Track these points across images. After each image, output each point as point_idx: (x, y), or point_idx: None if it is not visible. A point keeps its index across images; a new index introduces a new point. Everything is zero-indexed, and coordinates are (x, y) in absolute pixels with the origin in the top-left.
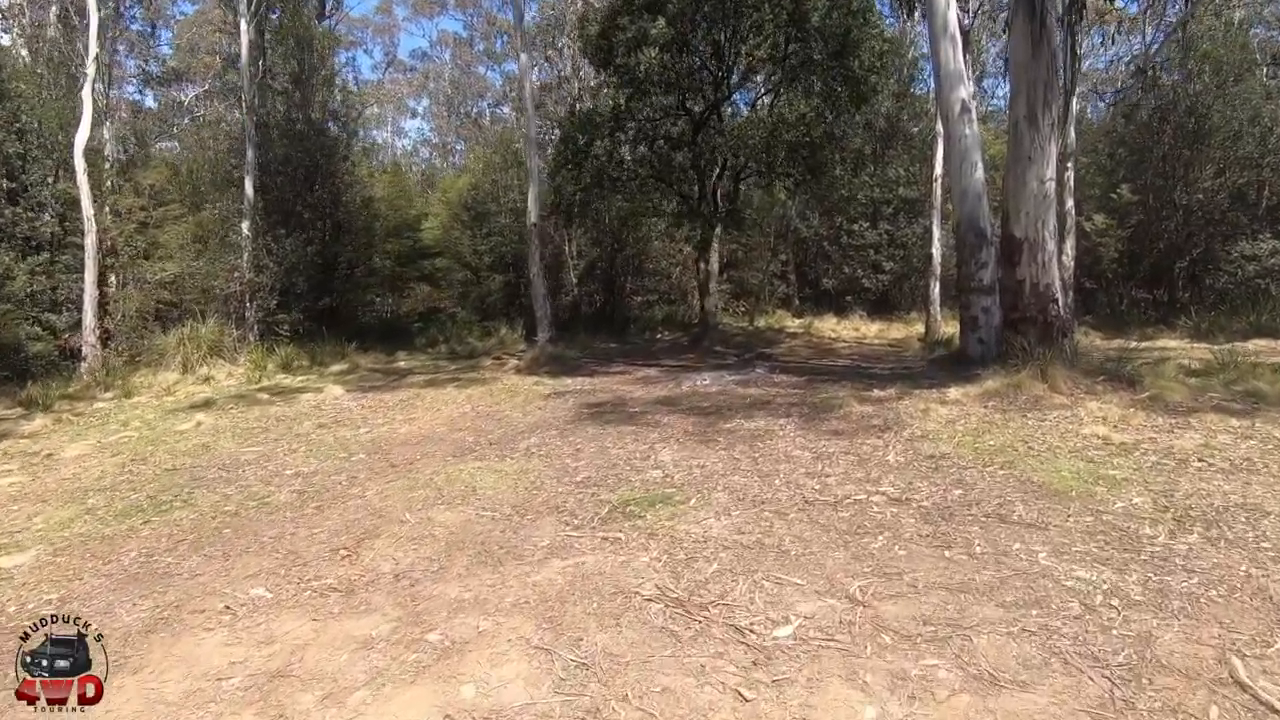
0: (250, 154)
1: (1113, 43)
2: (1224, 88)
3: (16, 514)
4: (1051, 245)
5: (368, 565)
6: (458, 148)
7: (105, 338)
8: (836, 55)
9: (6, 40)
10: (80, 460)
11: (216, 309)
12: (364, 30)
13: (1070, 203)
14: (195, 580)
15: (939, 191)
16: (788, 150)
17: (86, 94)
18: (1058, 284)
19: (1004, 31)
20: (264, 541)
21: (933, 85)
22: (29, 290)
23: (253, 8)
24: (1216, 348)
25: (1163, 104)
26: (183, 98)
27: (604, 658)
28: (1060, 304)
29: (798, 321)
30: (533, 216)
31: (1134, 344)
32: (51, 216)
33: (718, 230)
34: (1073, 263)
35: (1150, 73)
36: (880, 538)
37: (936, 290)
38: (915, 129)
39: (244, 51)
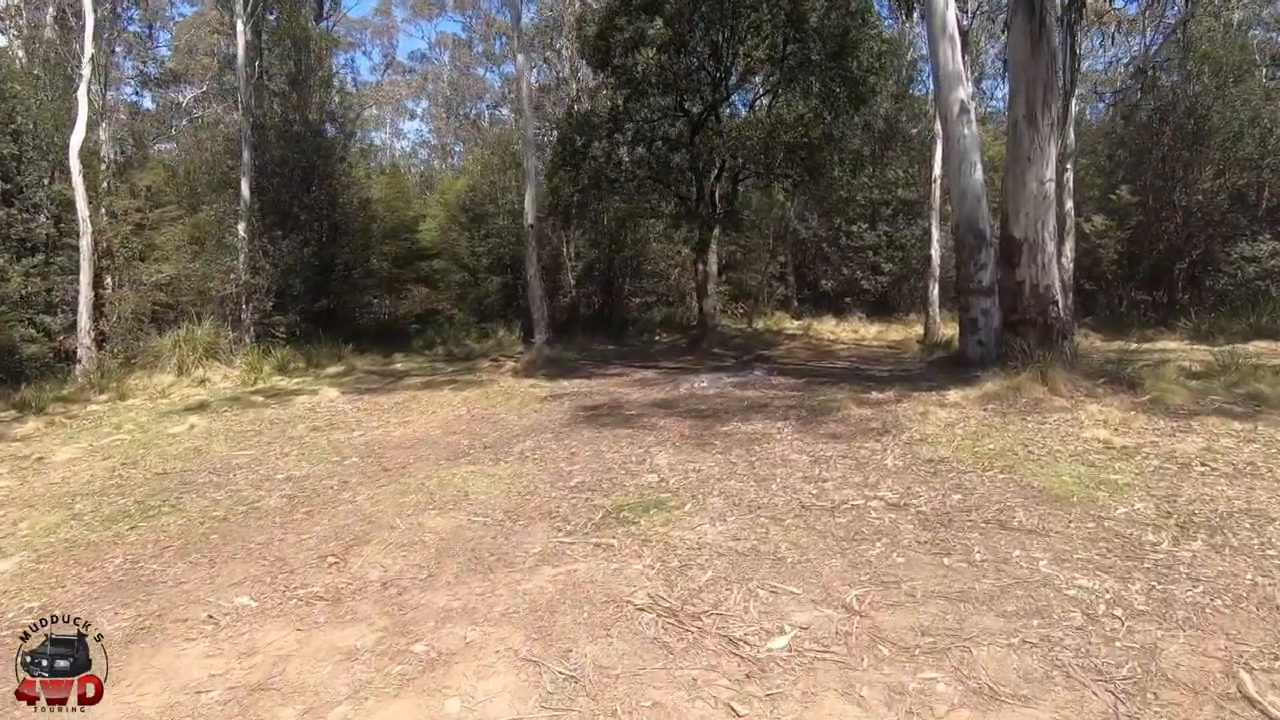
0: (246, 155)
1: (1112, 43)
2: (1223, 89)
3: (2, 520)
4: (1051, 246)
5: (356, 573)
6: (456, 149)
7: (100, 340)
8: (835, 56)
9: (3, 41)
10: (70, 464)
11: (212, 311)
12: (363, 32)
13: (1070, 204)
14: (179, 588)
15: (938, 193)
16: (786, 151)
17: (82, 95)
18: (1057, 285)
19: (1003, 32)
20: (251, 548)
21: (931, 86)
22: (24, 292)
23: (249, 8)
24: (1217, 349)
25: (1162, 105)
26: (181, 99)
27: (593, 670)
28: (1060, 305)
29: (796, 323)
30: (530, 218)
31: (1134, 346)
32: (47, 218)
33: (716, 232)
34: (1072, 264)
35: (1150, 74)
36: (878, 544)
37: (935, 292)
38: (914, 130)
39: (240, 52)
